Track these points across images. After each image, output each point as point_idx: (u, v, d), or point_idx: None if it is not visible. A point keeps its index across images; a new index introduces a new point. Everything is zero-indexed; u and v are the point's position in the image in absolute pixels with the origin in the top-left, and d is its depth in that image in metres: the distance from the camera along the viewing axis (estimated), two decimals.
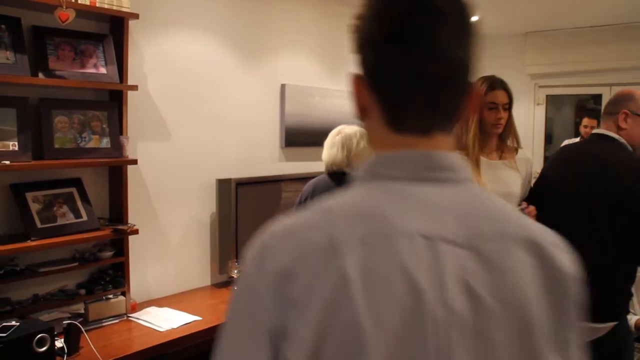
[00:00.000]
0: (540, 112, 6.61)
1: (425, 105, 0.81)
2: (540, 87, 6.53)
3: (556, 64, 6.29)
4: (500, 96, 2.44)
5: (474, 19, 0.85)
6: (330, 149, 2.95)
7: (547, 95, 6.58)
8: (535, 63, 6.43)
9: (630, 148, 2.36)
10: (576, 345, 0.82)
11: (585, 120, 5.57)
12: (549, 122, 6.66)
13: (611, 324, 2.26)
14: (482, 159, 2.49)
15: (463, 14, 0.84)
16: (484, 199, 0.83)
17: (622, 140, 2.36)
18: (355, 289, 0.70)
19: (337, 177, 2.88)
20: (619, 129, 2.36)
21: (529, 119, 6.60)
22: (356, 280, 0.71)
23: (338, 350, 0.70)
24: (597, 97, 6.26)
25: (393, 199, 0.78)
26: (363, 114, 0.87)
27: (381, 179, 0.81)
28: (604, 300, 2.26)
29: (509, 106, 2.48)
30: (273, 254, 0.75)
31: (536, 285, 0.78)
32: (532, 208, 2.28)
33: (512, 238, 0.78)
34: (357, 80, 0.85)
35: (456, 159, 0.83)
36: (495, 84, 2.44)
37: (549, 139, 6.62)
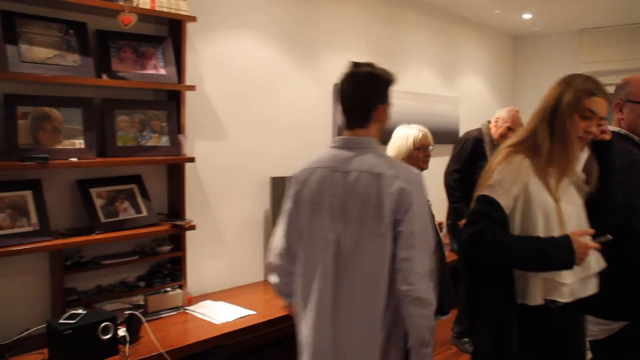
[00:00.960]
0: None
1: (349, 118, 2.02)
2: None
3: (612, 61, 6.11)
4: (602, 106, 1.99)
5: (379, 79, 1.99)
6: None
7: None
8: (590, 61, 6.27)
9: (635, 137, 2.31)
10: (389, 230, 1.89)
11: None
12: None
13: (621, 324, 2.16)
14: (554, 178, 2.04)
15: (370, 80, 1.97)
16: (367, 156, 1.95)
17: (623, 131, 2.32)
18: (305, 184, 2.02)
19: None
20: (619, 120, 2.35)
21: None
22: (306, 181, 2.02)
23: (301, 201, 2.03)
24: None
25: (329, 154, 2.03)
26: None
27: (331, 147, 2.05)
28: (613, 297, 2.13)
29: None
30: (295, 171, 2.09)
31: (373, 191, 1.88)
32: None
33: (365, 170, 1.91)
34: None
35: (362, 140, 1.99)
36: (597, 89, 1.99)
37: None
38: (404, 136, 2.89)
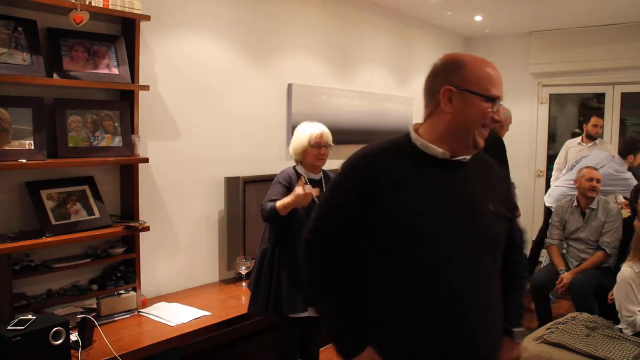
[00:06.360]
0: (543, 111, 6.65)
1: None
2: (544, 86, 6.57)
3: (560, 63, 6.33)
4: None
5: None
6: None
7: (550, 94, 6.62)
8: (539, 62, 6.47)
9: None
10: None
11: (594, 120, 5.31)
12: (552, 121, 6.71)
13: None
14: None
15: None
16: None
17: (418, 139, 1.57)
18: None
19: None
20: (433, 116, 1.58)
21: (532, 117, 6.64)
22: None
23: None
24: (601, 96, 6.30)
25: None
26: None
27: None
28: None
29: None
30: None
31: None
32: None
33: None
34: None
35: None
36: None
37: (552, 137, 6.67)
38: (302, 133, 2.94)
